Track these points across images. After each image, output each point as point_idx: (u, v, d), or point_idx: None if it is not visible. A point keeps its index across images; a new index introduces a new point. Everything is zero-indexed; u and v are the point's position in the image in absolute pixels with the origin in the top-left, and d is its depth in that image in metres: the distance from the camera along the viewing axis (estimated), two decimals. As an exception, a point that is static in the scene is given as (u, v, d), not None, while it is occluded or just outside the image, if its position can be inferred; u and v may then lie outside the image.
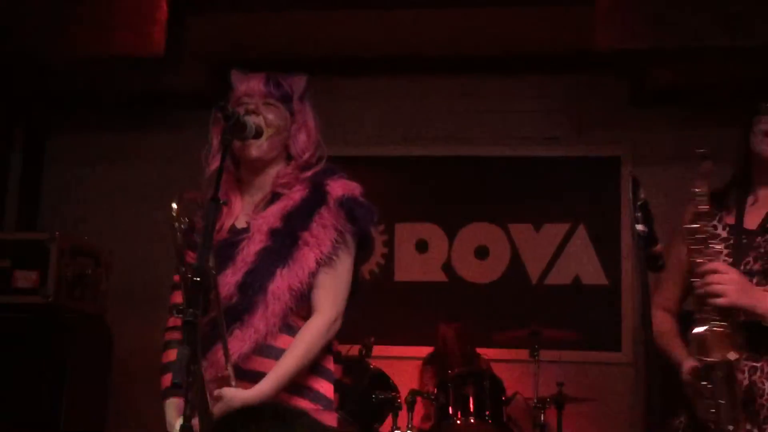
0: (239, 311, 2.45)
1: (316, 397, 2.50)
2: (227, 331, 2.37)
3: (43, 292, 4.68)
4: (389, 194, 5.11)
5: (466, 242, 5.72)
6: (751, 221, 2.73)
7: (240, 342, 2.42)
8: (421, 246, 5.74)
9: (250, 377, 2.39)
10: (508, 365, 4.96)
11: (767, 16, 4.27)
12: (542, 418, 4.66)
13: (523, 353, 4.86)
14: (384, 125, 5.65)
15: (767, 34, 4.28)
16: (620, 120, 5.58)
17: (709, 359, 2.52)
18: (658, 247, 2.40)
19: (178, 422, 2.46)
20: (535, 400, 4.68)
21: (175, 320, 2.63)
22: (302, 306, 2.50)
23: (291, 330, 2.48)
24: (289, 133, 2.63)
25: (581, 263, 5.56)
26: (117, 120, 5.92)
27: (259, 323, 2.43)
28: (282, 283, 2.46)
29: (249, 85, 2.63)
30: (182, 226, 2.31)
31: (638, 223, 2.35)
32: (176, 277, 2.54)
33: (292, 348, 2.43)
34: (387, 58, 5.52)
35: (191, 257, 2.43)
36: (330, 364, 2.60)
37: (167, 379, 2.51)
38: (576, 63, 5.34)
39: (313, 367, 2.51)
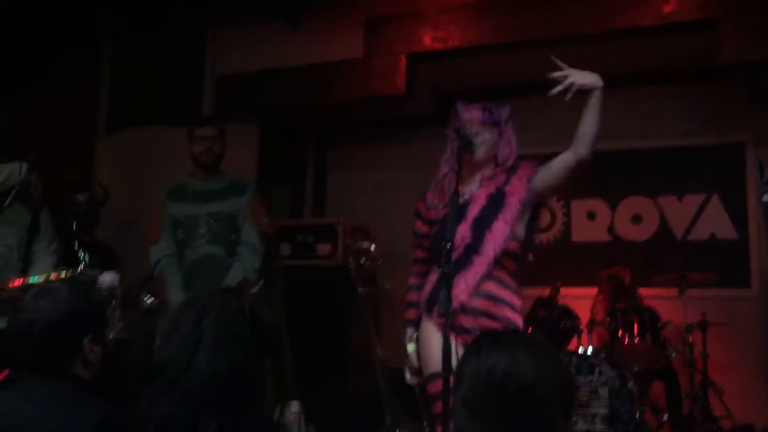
0: (473, 246, 2.53)
1: (512, 325, 2.52)
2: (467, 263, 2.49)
3: (335, 258, 4.97)
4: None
5: (625, 211, 5.58)
6: None
7: (476, 267, 2.50)
8: (591, 216, 5.66)
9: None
10: (662, 300, 4.79)
11: None
12: (690, 339, 4.55)
13: (673, 291, 4.71)
14: (559, 131, 5.55)
15: None
16: (742, 114, 5.26)
17: None
18: None
19: (411, 345, 2.66)
20: (684, 326, 4.57)
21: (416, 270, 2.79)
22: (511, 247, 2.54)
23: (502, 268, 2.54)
24: (498, 147, 2.69)
25: (716, 223, 5.31)
26: (375, 138, 6.08)
27: (488, 250, 2.50)
28: (498, 223, 2.53)
29: (471, 114, 2.68)
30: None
31: (764, 195, 2.30)
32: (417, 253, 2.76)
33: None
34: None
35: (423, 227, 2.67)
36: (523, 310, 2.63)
37: (410, 312, 2.72)
38: (704, 73, 5.05)
39: (517, 309, 2.55)
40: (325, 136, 6.35)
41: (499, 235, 2.51)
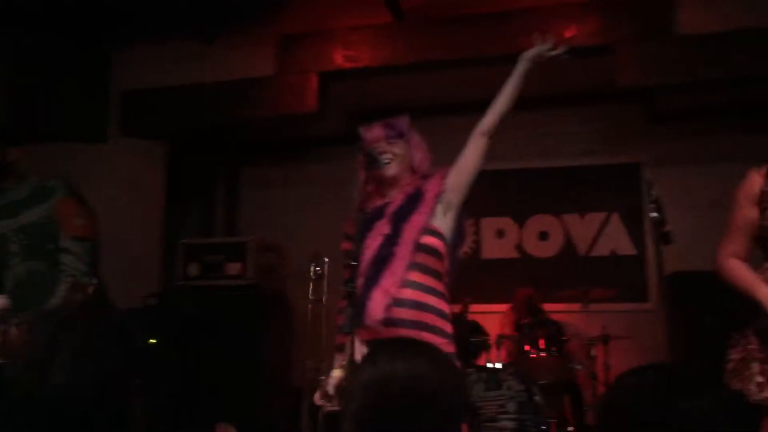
0: (393, 238, 2.46)
1: (447, 336, 2.42)
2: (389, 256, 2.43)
3: (245, 277, 4.87)
4: (476, 198, 5.15)
5: (532, 229, 5.73)
6: None
7: (398, 259, 2.41)
8: (500, 233, 5.77)
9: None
10: (565, 315, 4.92)
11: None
12: (593, 352, 4.68)
13: (576, 306, 4.85)
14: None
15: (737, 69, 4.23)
16: (639, 136, 5.49)
17: None
18: (668, 227, 2.40)
19: (338, 370, 2.46)
20: (588, 339, 4.70)
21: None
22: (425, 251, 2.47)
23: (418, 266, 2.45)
24: (410, 157, 2.67)
25: (616, 240, 5.51)
26: (288, 157, 6.03)
27: (406, 240, 2.44)
28: (415, 215, 2.48)
29: (374, 134, 2.65)
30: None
31: (652, 212, 2.38)
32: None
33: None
34: (468, 102, 5.53)
35: (348, 246, 2.48)
36: (450, 316, 2.52)
37: (339, 337, 2.53)
38: (604, 96, 5.25)
39: (440, 314, 2.43)
40: (238, 154, 6.26)
41: (416, 224, 2.46)
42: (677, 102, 5.31)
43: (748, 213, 2.44)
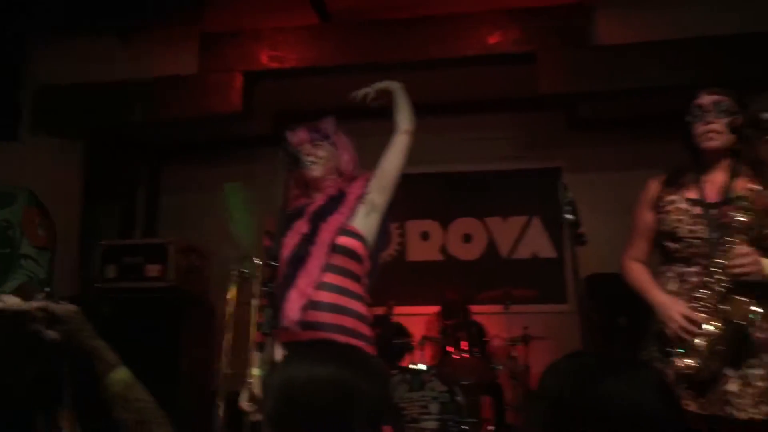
0: (310, 237, 2.45)
1: (366, 339, 2.41)
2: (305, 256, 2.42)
3: (165, 279, 4.76)
4: (401, 201, 5.17)
5: (456, 231, 5.80)
6: (711, 195, 2.41)
7: (314, 259, 2.40)
8: (425, 235, 5.83)
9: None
10: (488, 316, 5.00)
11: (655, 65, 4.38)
12: (513, 353, 4.77)
13: (498, 308, 4.94)
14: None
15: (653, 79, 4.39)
16: (560, 142, 5.64)
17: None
18: (582, 230, 2.41)
19: (257, 369, 2.45)
20: (508, 340, 4.79)
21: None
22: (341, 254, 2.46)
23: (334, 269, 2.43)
24: (337, 159, 2.67)
25: (537, 243, 5.64)
26: (212, 157, 5.92)
27: (323, 239, 2.42)
28: (334, 216, 2.48)
29: (298, 137, 2.64)
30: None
31: (567, 214, 2.43)
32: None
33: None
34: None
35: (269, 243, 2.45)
36: (369, 318, 2.52)
37: (259, 336, 2.56)
38: (525, 103, 5.35)
39: (359, 316, 2.42)
40: (160, 154, 6.10)
41: (333, 225, 2.45)
42: (596, 110, 5.49)
43: (647, 218, 2.55)
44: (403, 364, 4.52)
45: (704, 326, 2.29)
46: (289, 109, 5.28)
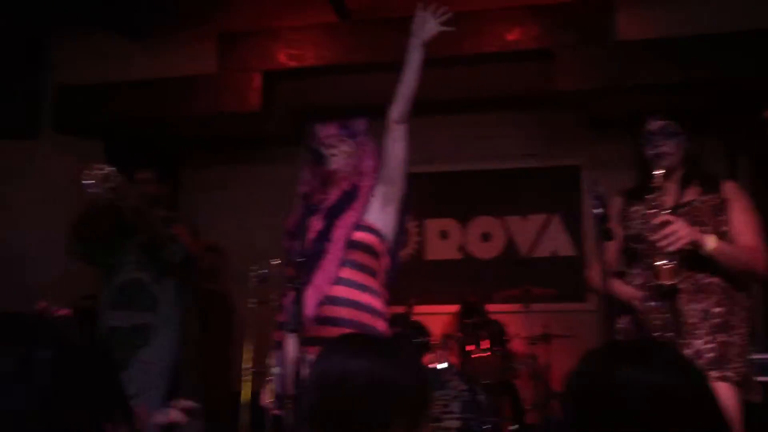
0: (325, 234, 2.47)
1: (377, 333, 2.41)
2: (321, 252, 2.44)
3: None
4: (420, 199, 5.15)
5: (475, 230, 5.76)
6: (668, 202, 2.67)
7: (331, 254, 2.43)
8: (443, 234, 5.79)
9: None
10: (508, 315, 4.96)
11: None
12: (534, 352, 4.73)
13: (517, 306, 4.89)
14: (416, 151, 5.66)
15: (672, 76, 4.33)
16: (578, 139, 5.58)
17: (664, 283, 2.52)
18: (610, 224, 2.49)
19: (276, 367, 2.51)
20: (529, 339, 4.75)
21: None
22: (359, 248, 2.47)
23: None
24: (357, 158, 2.66)
25: (557, 241, 5.59)
26: (230, 157, 5.91)
27: (338, 236, 2.46)
28: (349, 211, 2.50)
29: (327, 131, 2.68)
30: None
31: (595, 208, 2.42)
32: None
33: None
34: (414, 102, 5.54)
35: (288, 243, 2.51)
36: (386, 314, 2.53)
37: (277, 334, 2.57)
38: (544, 100, 5.29)
39: (374, 312, 2.44)
40: (178, 153, 6.07)
41: (348, 221, 2.46)
42: (615, 106, 5.41)
43: (616, 229, 2.74)
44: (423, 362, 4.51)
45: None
46: (307, 109, 5.27)
